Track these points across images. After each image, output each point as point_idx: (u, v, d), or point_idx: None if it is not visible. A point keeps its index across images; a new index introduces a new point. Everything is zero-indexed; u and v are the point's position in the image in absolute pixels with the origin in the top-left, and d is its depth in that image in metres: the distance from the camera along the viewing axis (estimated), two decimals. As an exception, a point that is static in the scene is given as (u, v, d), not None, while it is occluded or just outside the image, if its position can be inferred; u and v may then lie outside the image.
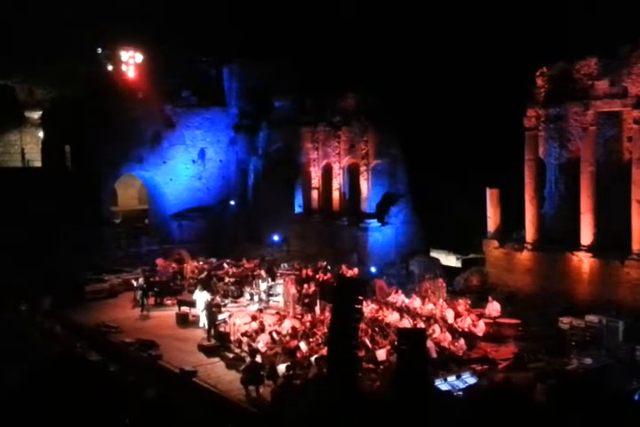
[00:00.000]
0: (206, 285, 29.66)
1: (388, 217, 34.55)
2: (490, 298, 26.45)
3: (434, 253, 35.75)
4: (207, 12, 49.01)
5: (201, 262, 34.82)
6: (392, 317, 24.80)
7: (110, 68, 46.90)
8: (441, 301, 26.52)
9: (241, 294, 31.33)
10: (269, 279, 30.84)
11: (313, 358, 20.96)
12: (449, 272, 32.05)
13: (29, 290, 29.77)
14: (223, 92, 44.18)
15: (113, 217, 43.81)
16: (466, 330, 23.89)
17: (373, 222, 34.19)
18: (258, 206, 41.04)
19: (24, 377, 19.38)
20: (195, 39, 47.83)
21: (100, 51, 48.67)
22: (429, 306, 26.08)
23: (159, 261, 34.87)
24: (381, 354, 21.32)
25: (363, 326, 21.81)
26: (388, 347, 21.71)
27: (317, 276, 29.94)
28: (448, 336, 22.87)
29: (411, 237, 35.05)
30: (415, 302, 26.77)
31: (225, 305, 28.41)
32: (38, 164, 41.10)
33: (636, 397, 17.67)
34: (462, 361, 21.77)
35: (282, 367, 20.72)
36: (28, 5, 46.45)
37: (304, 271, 30.86)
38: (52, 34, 45.66)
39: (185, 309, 28.42)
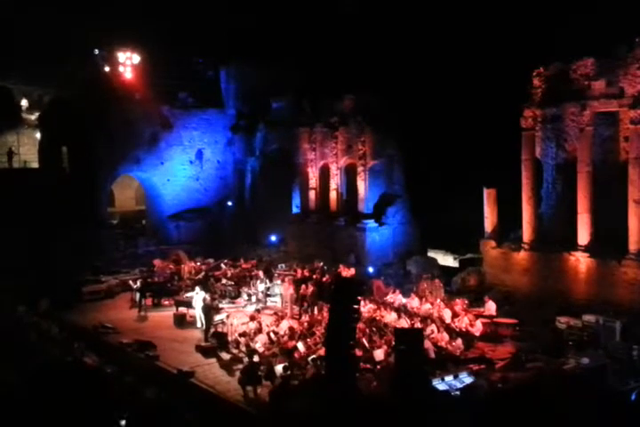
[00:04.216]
0: (204, 285, 29.66)
1: (386, 217, 34.59)
2: (486, 298, 26.50)
3: (431, 254, 35.78)
4: (204, 14, 49.05)
5: (198, 263, 34.80)
6: (390, 317, 24.83)
7: (107, 69, 46.98)
8: (438, 301, 26.53)
9: (238, 295, 31.30)
10: (267, 280, 30.84)
11: (310, 359, 20.97)
12: (446, 272, 32.08)
13: (27, 291, 29.75)
14: (220, 93, 44.24)
15: (110, 218, 43.79)
16: (463, 330, 23.90)
17: (371, 223, 34.22)
18: (255, 207, 41.08)
19: (22, 379, 19.40)
20: (192, 40, 47.90)
21: (97, 52, 48.77)
22: (427, 306, 26.08)
23: (157, 262, 34.86)
24: (379, 354, 21.32)
25: (360, 325, 21.82)
26: (386, 347, 21.73)
27: (315, 276, 29.96)
28: (445, 336, 22.89)
29: (408, 237, 35.11)
30: (413, 302, 26.78)
31: (218, 307, 28.13)
32: (35, 165, 41.08)
33: (633, 396, 17.69)
34: (460, 361, 21.74)
35: (279, 368, 20.70)
36: (25, 7, 46.49)
37: (301, 271, 30.88)
38: (49, 35, 45.73)
39: (182, 309, 28.38)
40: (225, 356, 23.33)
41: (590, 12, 35.80)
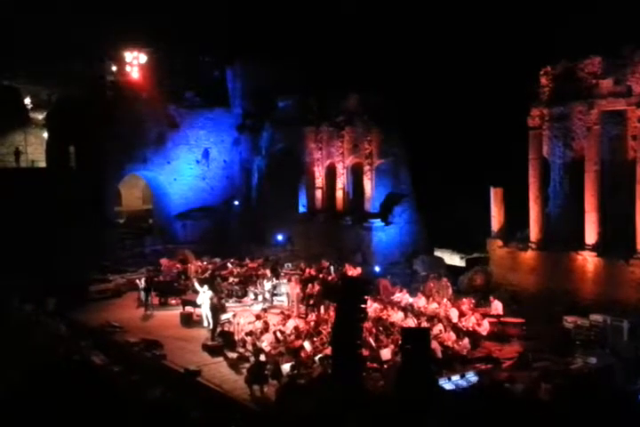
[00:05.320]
0: (210, 284, 29.67)
1: (392, 217, 34.54)
2: (491, 298, 26.46)
3: (438, 253, 35.71)
4: (210, 13, 49.09)
5: (205, 262, 34.79)
6: (396, 316, 24.80)
7: (114, 68, 47.08)
8: (445, 300, 26.52)
9: (245, 294, 31.35)
10: (273, 279, 30.85)
11: (317, 358, 20.99)
12: (453, 271, 32.04)
13: (34, 290, 29.82)
14: (227, 92, 44.24)
15: (117, 217, 43.87)
16: (470, 329, 23.88)
17: (377, 222, 34.18)
18: (262, 206, 41.06)
19: (28, 377, 19.42)
20: (198, 40, 47.93)
21: (104, 52, 48.85)
22: (433, 305, 26.07)
23: (163, 261, 34.91)
24: (386, 353, 21.32)
25: (367, 325, 21.82)
26: (393, 346, 21.70)
27: (321, 275, 29.93)
28: (452, 335, 22.86)
29: (414, 236, 35.04)
30: (419, 302, 26.76)
31: (224, 306, 28.09)
32: (43, 164, 41.18)
33: (641, 396, 17.63)
34: (466, 360, 21.77)
35: (286, 367, 20.72)
36: (31, 6, 46.58)
37: (307, 271, 30.86)
38: (56, 35, 45.82)
39: (189, 308, 28.41)
40: (231, 355, 23.34)
41: (597, 10, 35.72)
